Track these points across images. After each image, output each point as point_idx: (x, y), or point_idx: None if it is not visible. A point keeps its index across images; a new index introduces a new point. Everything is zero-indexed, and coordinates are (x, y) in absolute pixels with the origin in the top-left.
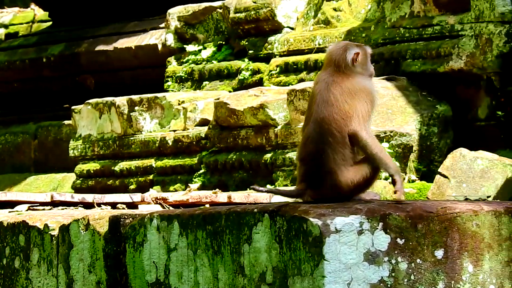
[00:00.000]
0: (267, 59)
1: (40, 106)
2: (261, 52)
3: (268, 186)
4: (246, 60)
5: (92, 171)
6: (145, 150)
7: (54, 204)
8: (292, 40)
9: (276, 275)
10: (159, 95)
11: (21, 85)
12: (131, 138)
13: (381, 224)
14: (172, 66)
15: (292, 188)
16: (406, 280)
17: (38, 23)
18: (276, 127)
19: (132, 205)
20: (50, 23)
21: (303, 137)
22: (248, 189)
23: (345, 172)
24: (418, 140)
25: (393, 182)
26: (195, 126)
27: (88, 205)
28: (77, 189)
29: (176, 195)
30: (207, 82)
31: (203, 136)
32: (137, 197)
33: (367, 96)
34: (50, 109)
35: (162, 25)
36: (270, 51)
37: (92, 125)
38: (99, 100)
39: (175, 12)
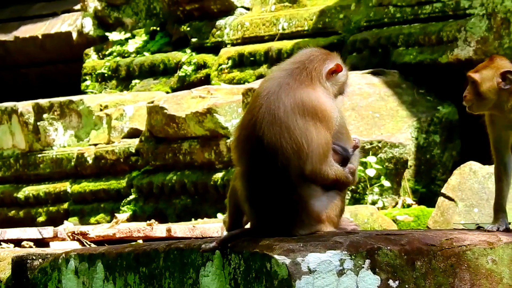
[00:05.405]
0: (215, 49)
1: None
2: (208, 41)
3: (219, 216)
4: (188, 51)
5: None
6: (58, 170)
7: None
8: (248, 24)
9: None
10: (75, 98)
11: None
12: (39, 155)
13: (367, 261)
14: (91, 60)
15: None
16: None
17: None
18: (229, 137)
19: (41, 242)
20: None
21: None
22: (192, 219)
23: (318, 203)
24: (414, 153)
25: None
26: (123, 138)
27: None
28: None
29: (99, 228)
30: (137, 81)
31: (133, 151)
32: (48, 231)
33: (327, 120)
34: None
35: (78, 6)
36: (220, 39)
37: None
38: None
39: None
